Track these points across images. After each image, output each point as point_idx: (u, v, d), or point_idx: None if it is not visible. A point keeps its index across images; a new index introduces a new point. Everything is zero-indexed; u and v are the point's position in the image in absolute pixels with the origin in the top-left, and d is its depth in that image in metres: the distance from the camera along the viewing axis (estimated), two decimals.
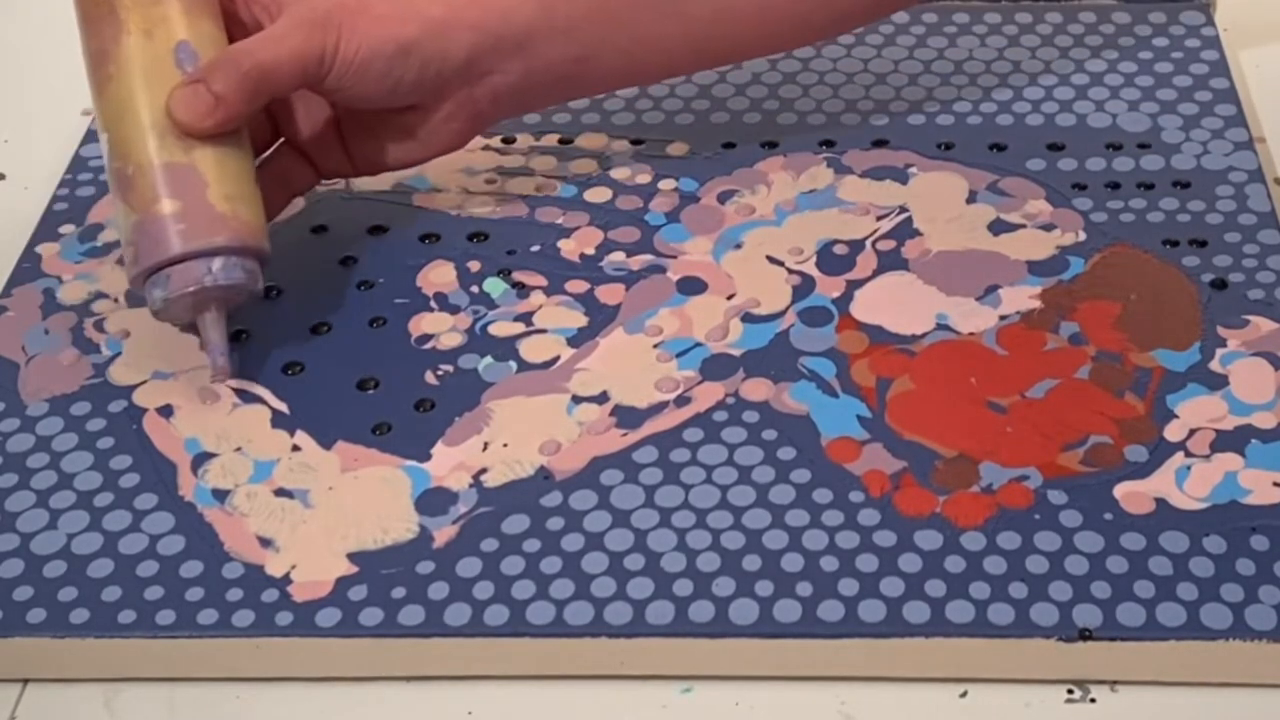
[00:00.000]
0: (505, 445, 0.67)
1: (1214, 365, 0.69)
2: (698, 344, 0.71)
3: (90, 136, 0.84)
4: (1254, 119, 0.83)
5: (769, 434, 0.67)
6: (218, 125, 0.67)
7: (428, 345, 0.72)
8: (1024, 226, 0.77)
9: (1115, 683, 0.61)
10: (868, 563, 0.63)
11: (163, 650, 0.62)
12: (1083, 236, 0.76)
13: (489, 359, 0.71)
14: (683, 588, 0.62)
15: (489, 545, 0.64)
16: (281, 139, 0.74)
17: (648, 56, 0.76)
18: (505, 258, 0.76)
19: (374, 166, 0.75)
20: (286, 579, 0.63)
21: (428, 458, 0.67)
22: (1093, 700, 0.60)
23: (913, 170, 0.80)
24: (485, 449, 0.67)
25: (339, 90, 0.70)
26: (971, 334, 0.71)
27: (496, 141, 0.83)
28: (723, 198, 0.79)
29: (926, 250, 0.76)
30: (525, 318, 0.73)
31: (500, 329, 0.73)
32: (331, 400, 0.70)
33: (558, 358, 0.71)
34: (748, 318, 0.73)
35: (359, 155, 0.74)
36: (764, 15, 0.76)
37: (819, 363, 0.70)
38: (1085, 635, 0.60)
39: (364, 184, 0.80)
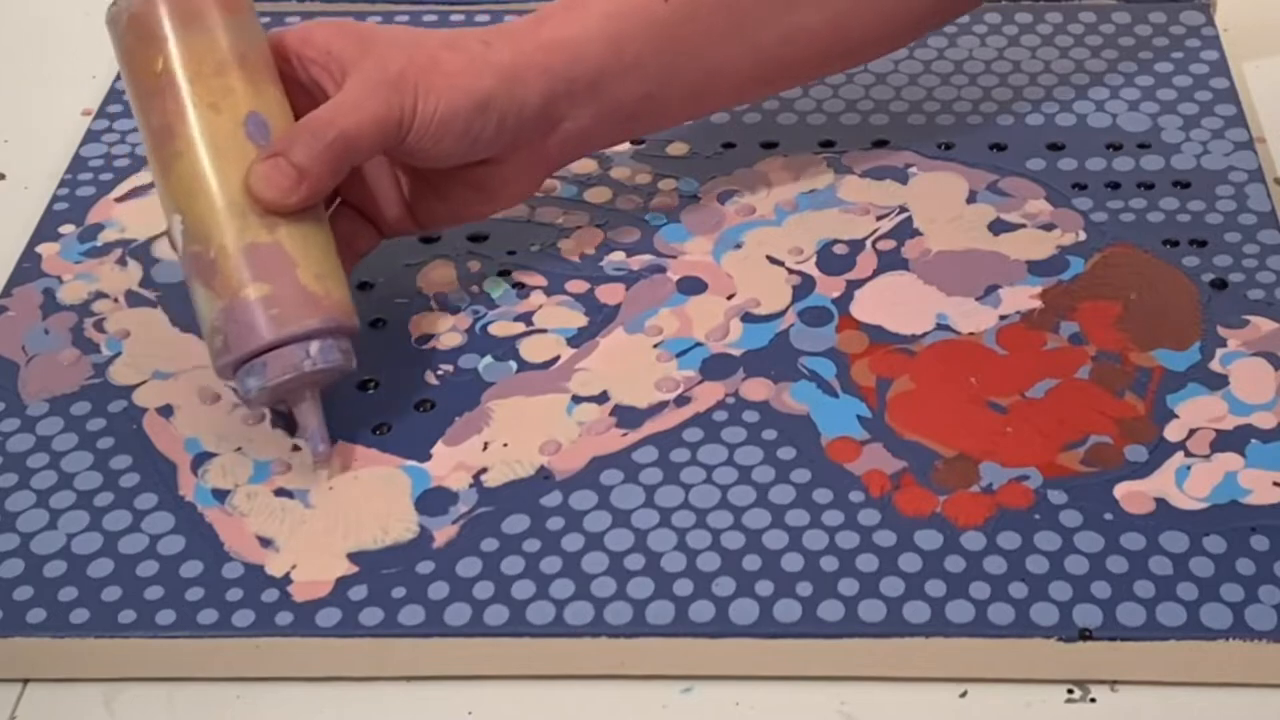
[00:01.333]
0: (505, 445, 0.67)
1: (1214, 365, 0.69)
2: (698, 344, 0.71)
3: (90, 136, 0.84)
4: (1254, 119, 0.83)
5: (769, 434, 0.67)
6: (302, 201, 0.64)
7: (428, 345, 0.72)
8: (1024, 226, 0.77)
9: (1115, 683, 0.61)
10: (868, 563, 0.63)
11: (163, 650, 0.62)
12: (1083, 236, 0.76)
13: (489, 359, 0.71)
14: (683, 588, 0.62)
15: (489, 545, 0.64)
16: (339, 200, 0.71)
17: (716, 87, 0.74)
18: (505, 258, 0.76)
19: (438, 223, 0.73)
20: (286, 579, 0.63)
21: (428, 458, 0.67)
22: (1093, 700, 0.60)
23: (913, 170, 0.80)
24: (485, 449, 0.67)
25: (418, 151, 0.68)
26: (971, 334, 0.71)
27: None
28: (723, 198, 0.79)
29: (926, 250, 0.76)
30: (525, 318, 0.73)
31: (500, 329, 0.73)
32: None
33: (558, 358, 0.71)
34: (748, 318, 0.73)
35: (423, 212, 0.72)
36: (835, 34, 0.74)
37: (819, 363, 0.70)
38: (1085, 635, 0.60)
39: None
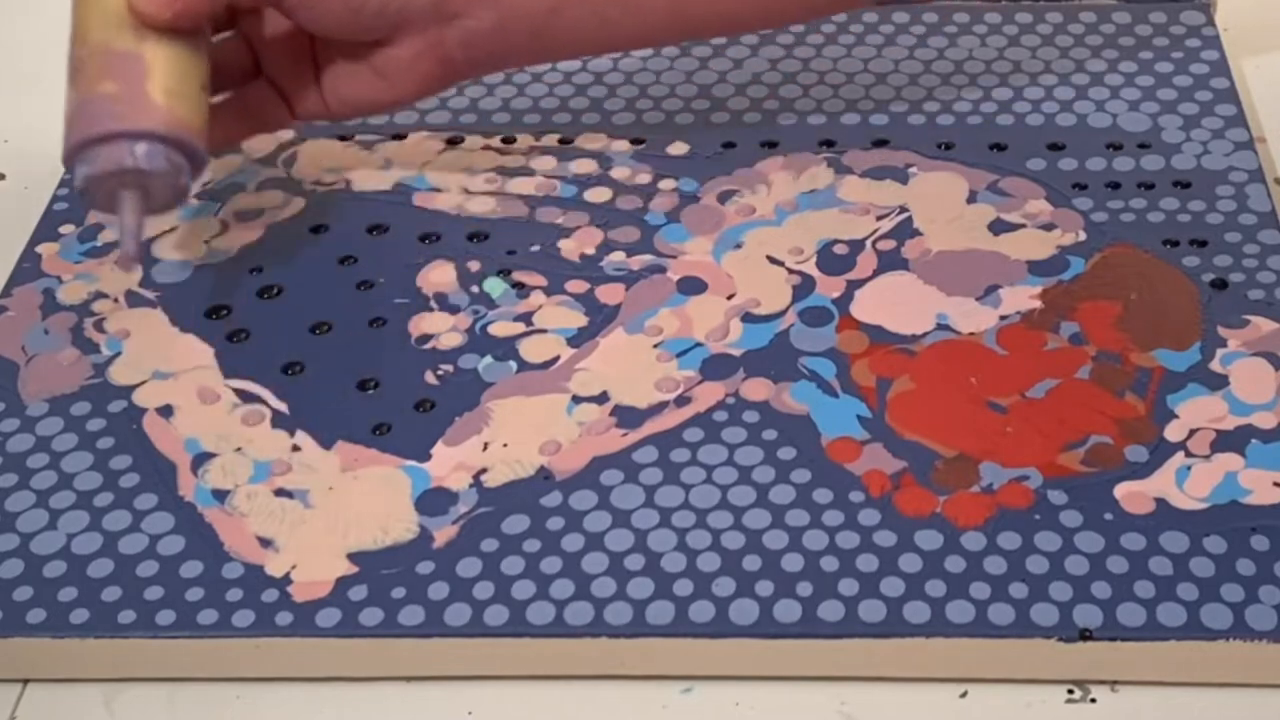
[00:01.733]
0: (505, 445, 0.67)
1: (1214, 365, 0.69)
2: (698, 344, 0.71)
3: None
4: (1254, 119, 0.83)
5: (769, 434, 0.67)
6: (175, 18, 0.68)
7: (428, 345, 0.72)
8: (1024, 226, 0.77)
9: (1115, 683, 0.61)
10: (868, 563, 0.63)
11: (163, 650, 0.62)
12: (1083, 236, 0.76)
13: (489, 359, 0.71)
14: (683, 588, 0.62)
15: (489, 545, 0.64)
16: (261, 75, 0.74)
17: (623, 17, 0.74)
18: (505, 258, 0.76)
19: (346, 107, 0.75)
20: (286, 579, 0.63)
21: (428, 458, 0.67)
22: (1093, 700, 0.60)
23: (913, 170, 0.80)
24: (485, 449, 0.67)
25: (303, 9, 0.70)
26: (971, 334, 0.71)
27: (496, 141, 0.83)
28: (723, 198, 0.79)
29: (926, 250, 0.76)
30: (525, 318, 0.73)
31: (500, 329, 0.73)
32: (331, 400, 0.70)
33: (558, 358, 0.71)
34: (748, 318, 0.73)
35: (332, 94, 0.74)
36: None
37: (819, 363, 0.70)
38: (1085, 635, 0.60)
39: (364, 184, 0.80)
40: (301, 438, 0.68)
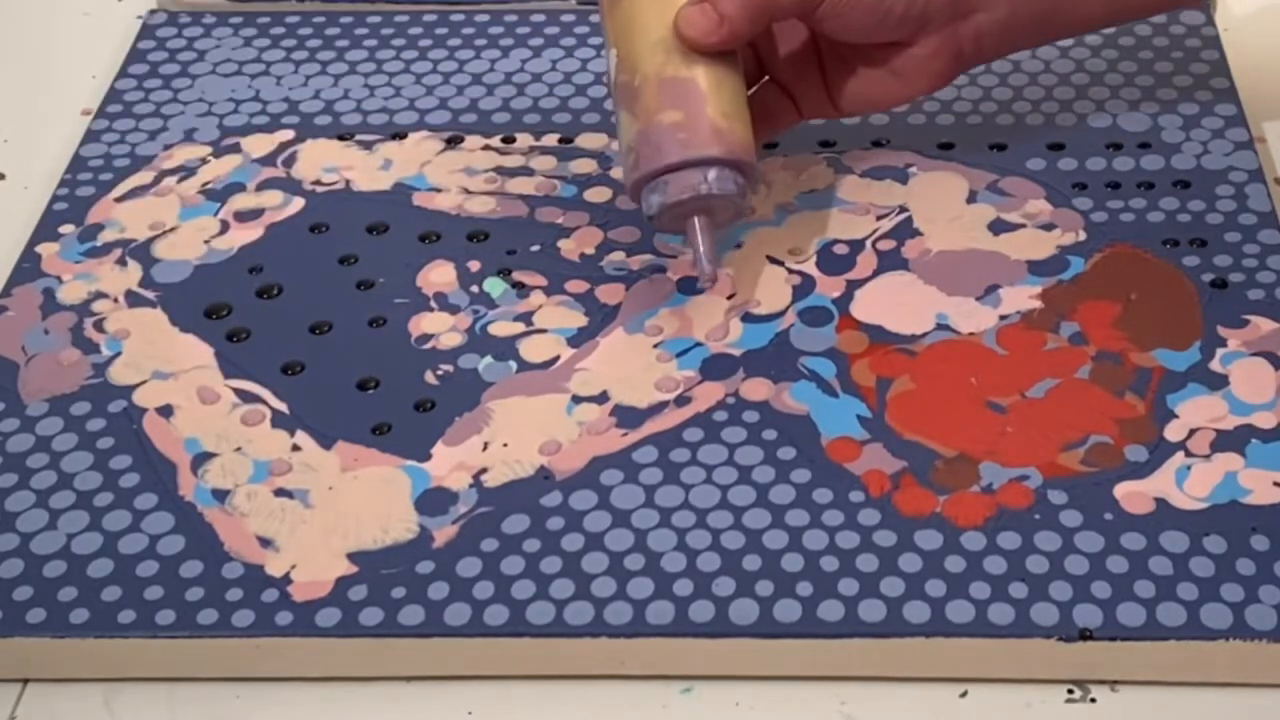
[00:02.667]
0: (505, 445, 0.67)
1: (1214, 365, 0.69)
2: (698, 344, 0.71)
3: (90, 136, 0.84)
4: (1254, 119, 0.83)
5: (769, 434, 0.67)
6: (721, 43, 0.70)
7: (428, 345, 0.72)
8: (1024, 226, 0.77)
9: (1115, 683, 0.61)
10: (868, 563, 0.63)
11: (163, 650, 0.62)
12: (1083, 236, 0.76)
13: (489, 359, 0.71)
14: (683, 588, 0.62)
15: (489, 545, 0.64)
16: (766, 77, 0.76)
17: None
18: (505, 258, 0.76)
19: (855, 105, 0.76)
20: (286, 579, 0.63)
21: (428, 458, 0.67)
22: (1093, 700, 0.60)
23: (913, 170, 0.80)
24: (485, 449, 0.67)
25: (831, 19, 0.71)
26: (971, 334, 0.71)
27: (496, 141, 0.83)
28: None
29: (926, 250, 0.76)
30: (525, 318, 0.73)
31: (500, 329, 0.73)
32: (331, 400, 0.70)
33: (558, 357, 0.71)
34: (748, 317, 0.73)
35: (840, 94, 0.75)
36: None
37: (819, 363, 0.70)
38: (1085, 635, 0.60)
39: (364, 184, 0.80)
40: (301, 438, 0.68)
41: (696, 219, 0.70)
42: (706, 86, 0.70)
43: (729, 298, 0.74)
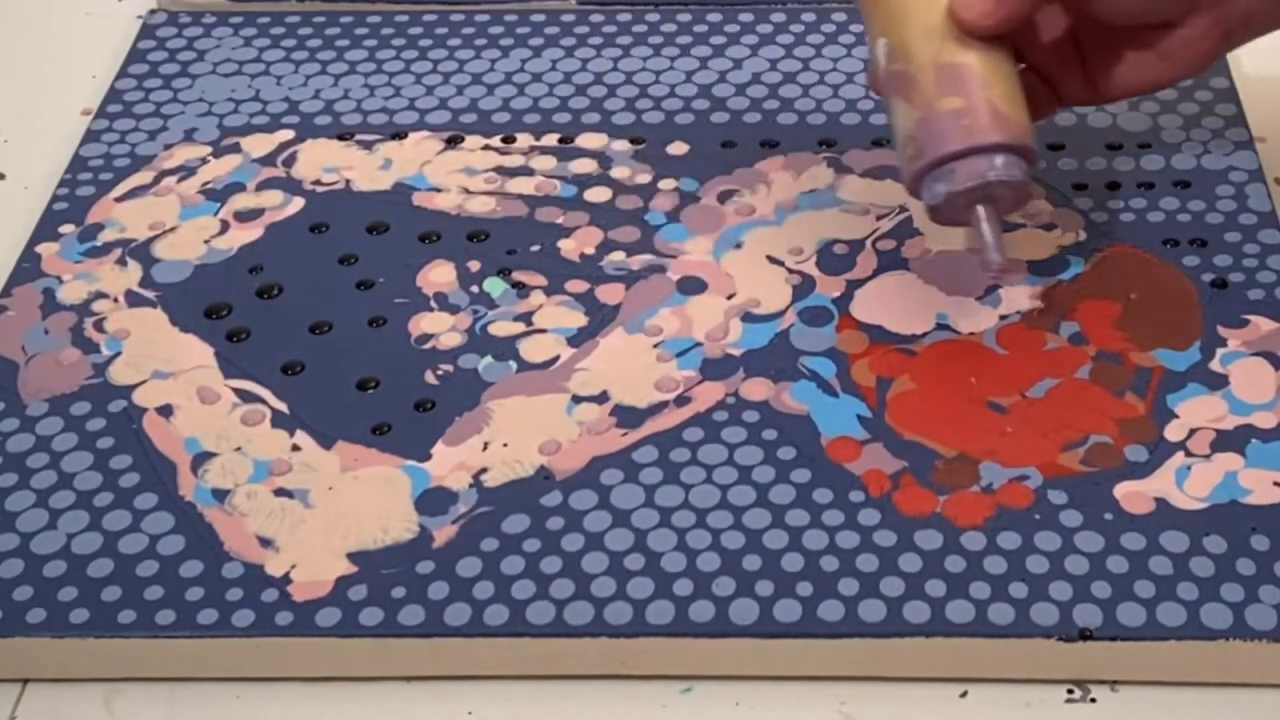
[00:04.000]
0: (505, 445, 0.67)
1: (1214, 365, 0.69)
2: (698, 344, 0.71)
3: (90, 136, 0.84)
4: (1254, 119, 0.83)
5: (769, 434, 0.67)
6: (999, 24, 0.68)
7: (428, 345, 0.72)
8: (1024, 226, 0.77)
9: (1115, 683, 0.61)
10: (868, 563, 0.63)
11: (163, 650, 0.62)
12: (1083, 236, 0.76)
13: (489, 359, 0.71)
14: (683, 588, 0.62)
15: (489, 545, 0.64)
16: (1023, 65, 0.73)
17: None
18: (505, 258, 0.76)
19: (1116, 89, 0.74)
20: (286, 579, 0.63)
21: (428, 458, 0.67)
22: (1093, 700, 0.60)
23: None
24: (485, 449, 0.67)
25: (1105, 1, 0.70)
26: (971, 334, 0.71)
27: (496, 141, 0.83)
28: (723, 198, 0.79)
29: (926, 250, 0.76)
30: (525, 317, 0.73)
31: (500, 329, 0.73)
32: (331, 400, 0.70)
33: (558, 357, 0.71)
34: (748, 317, 0.73)
35: (1102, 78, 0.73)
36: None
37: (819, 362, 0.70)
38: (1085, 635, 0.60)
39: (364, 184, 0.80)
40: (301, 438, 0.68)
41: (982, 207, 0.68)
42: (985, 72, 0.68)
43: (729, 298, 0.74)
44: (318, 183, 0.81)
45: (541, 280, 0.75)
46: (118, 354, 0.72)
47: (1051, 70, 0.73)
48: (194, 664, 0.62)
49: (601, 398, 0.69)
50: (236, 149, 0.82)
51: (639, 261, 0.76)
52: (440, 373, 0.71)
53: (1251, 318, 0.71)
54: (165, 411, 0.70)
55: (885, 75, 0.70)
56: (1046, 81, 0.74)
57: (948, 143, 0.67)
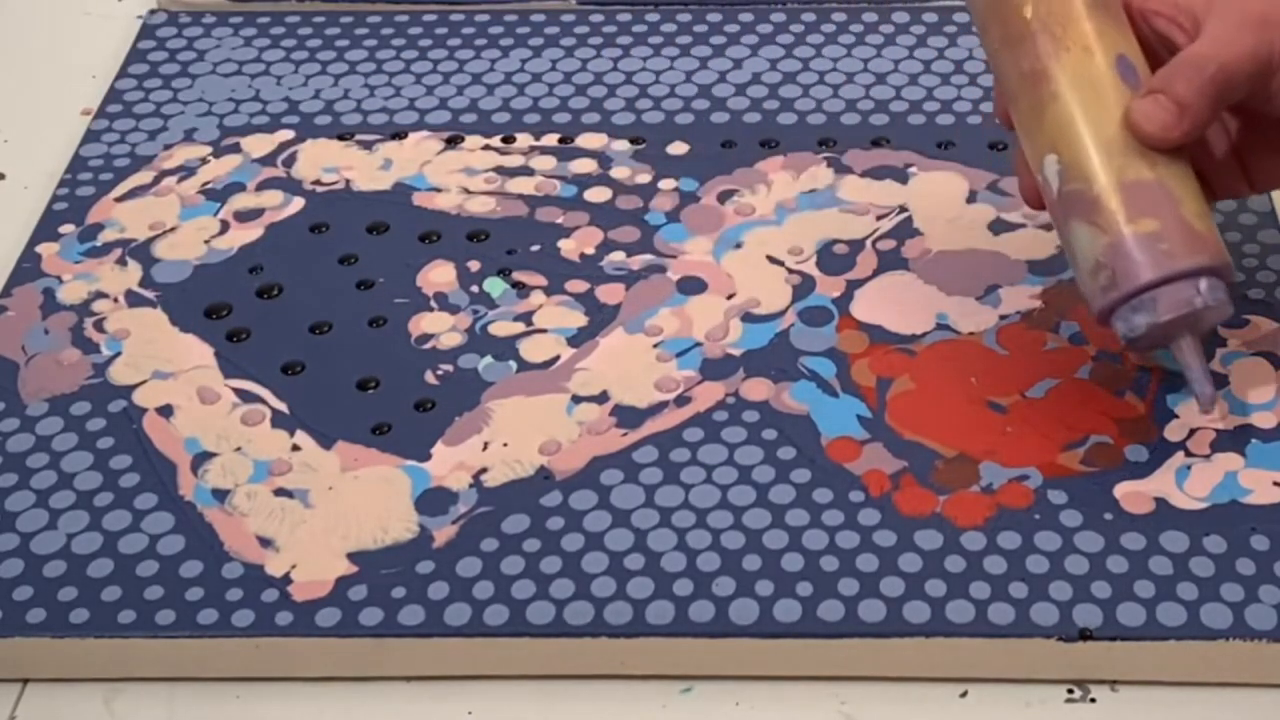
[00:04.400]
0: (505, 445, 0.67)
1: (1214, 365, 0.69)
2: (698, 344, 0.71)
3: (90, 136, 0.84)
4: None
5: (769, 434, 0.67)
6: (1184, 136, 0.64)
7: (428, 345, 0.72)
8: (1024, 226, 0.77)
9: (1115, 683, 0.61)
10: (868, 563, 0.63)
11: (163, 650, 0.62)
12: None
13: (489, 359, 0.71)
14: (683, 588, 0.62)
15: (489, 545, 0.64)
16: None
17: None
18: (505, 258, 0.76)
19: (1272, 181, 0.69)
20: (286, 579, 0.63)
21: (428, 458, 0.67)
22: (1093, 700, 0.60)
23: (913, 170, 0.80)
24: (485, 449, 0.67)
25: (1278, 94, 0.65)
26: (971, 334, 0.71)
27: (496, 141, 0.83)
28: (723, 198, 0.79)
29: (926, 250, 0.76)
30: (525, 318, 0.73)
31: (500, 329, 0.73)
32: (331, 400, 0.70)
33: (558, 357, 0.71)
34: (748, 317, 0.73)
35: (1258, 170, 0.68)
36: None
37: (819, 362, 0.70)
38: (1085, 635, 0.60)
39: (364, 184, 0.80)
40: (301, 438, 0.68)
41: (1186, 340, 0.65)
42: (1175, 188, 0.64)
43: (729, 298, 0.74)
44: (318, 183, 0.81)
45: (541, 280, 0.75)
46: (118, 354, 0.72)
47: (1206, 165, 0.68)
48: (194, 664, 0.62)
49: (601, 398, 0.69)
50: (236, 149, 0.82)
51: (639, 261, 0.76)
52: (440, 373, 0.71)
53: (1251, 318, 0.71)
54: (165, 411, 0.70)
55: (1061, 197, 0.65)
56: (1203, 177, 0.68)
57: (1146, 271, 0.63)
